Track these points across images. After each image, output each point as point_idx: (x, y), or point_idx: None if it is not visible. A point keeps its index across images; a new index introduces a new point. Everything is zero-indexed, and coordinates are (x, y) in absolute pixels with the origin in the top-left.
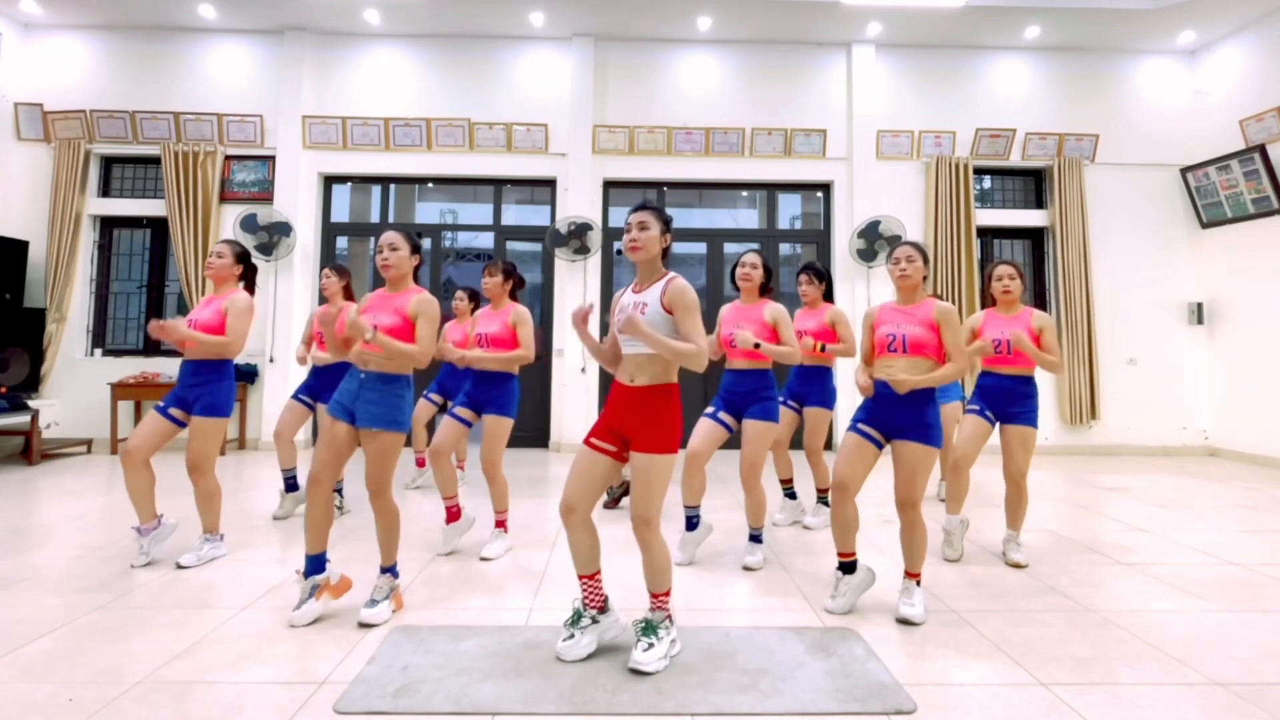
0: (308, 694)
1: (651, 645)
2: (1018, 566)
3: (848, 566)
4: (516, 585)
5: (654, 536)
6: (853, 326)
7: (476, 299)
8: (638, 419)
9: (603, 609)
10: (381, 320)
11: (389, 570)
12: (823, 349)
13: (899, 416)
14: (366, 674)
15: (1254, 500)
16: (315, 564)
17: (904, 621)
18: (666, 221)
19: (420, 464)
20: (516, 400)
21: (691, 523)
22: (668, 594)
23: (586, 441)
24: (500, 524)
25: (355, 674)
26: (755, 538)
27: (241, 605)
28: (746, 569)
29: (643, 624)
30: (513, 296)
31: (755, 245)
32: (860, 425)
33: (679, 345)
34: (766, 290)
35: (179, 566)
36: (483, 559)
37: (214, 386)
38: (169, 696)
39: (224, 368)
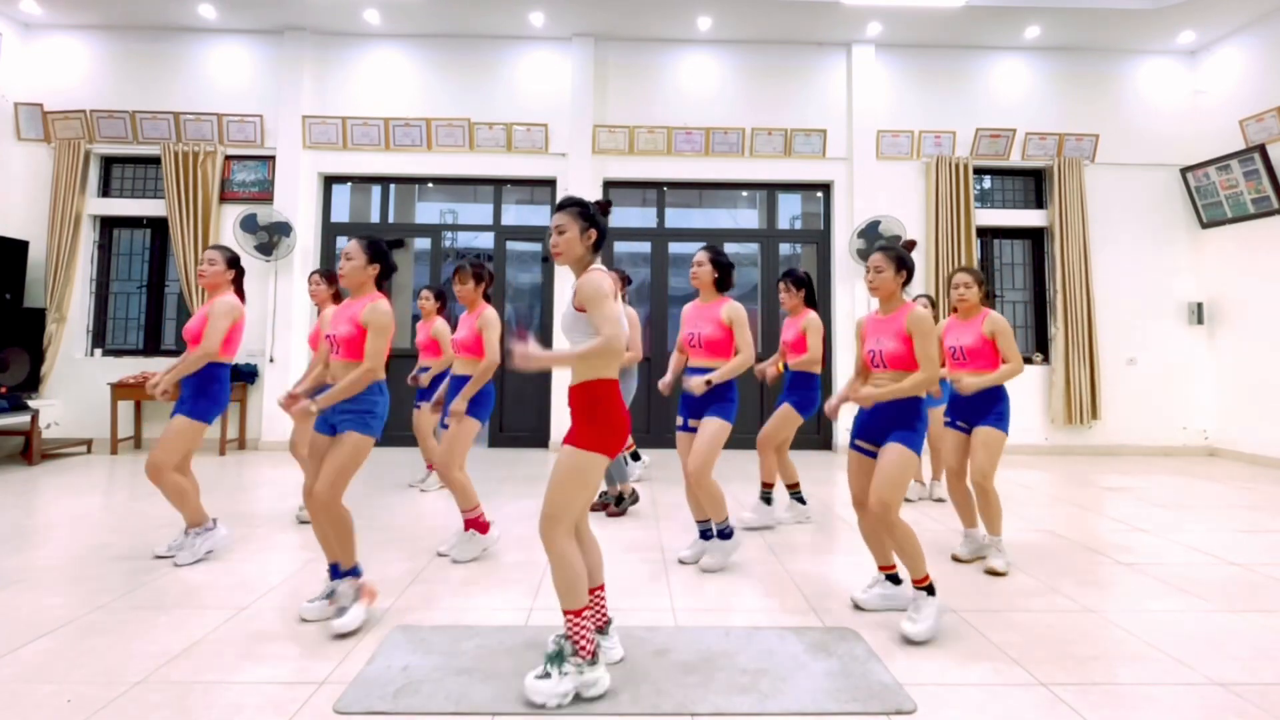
0: (308, 694)
1: (547, 676)
2: (995, 574)
3: (894, 577)
4: (516, 585)
5: (557, 539)
6: (821, 334)
7: (443, 297)
8: (573, 416)
9: (603, 629)
10: (339, 331)
11: (349, 573)
12: (785, 368)
13: (880, 422)
14: (366, 674)
15: (1254, 500)
16: (337, 571)
17: (905, 639)
18: (589, 216)
19: (431, 467)
20: (487, 403)
21: (705, 534)
22: (579, 613)
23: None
24: (469, 525)
25: (355, 674)
26: (723, 533)
27: (241, 605)
28: (702, 569)
29: (554, 649)
30: (485, 296)
31: (755, 245)
32: (856, 442)
33: (579, 351)
34: (726, 286)
35: (175, 565)
36: (452, 560)
37: (202, 389)
38: (169, 696)
39: (214, 373)
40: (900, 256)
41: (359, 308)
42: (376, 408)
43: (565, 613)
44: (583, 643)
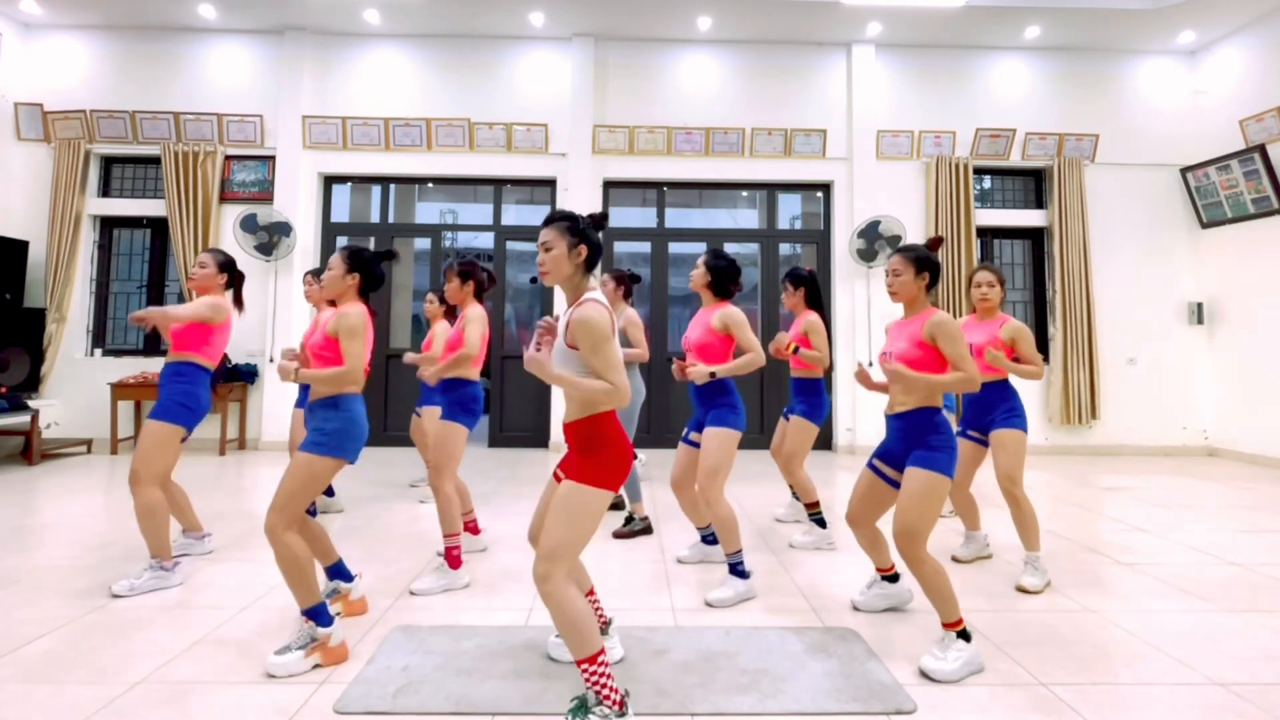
0: (308, 694)
1: None
2: (1025, 592)
3: (892, 577)
4: (516, 585)
5: (557, 583)
6: (823, 335)
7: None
8: (572, 452)
9: (602, 629)
10: (315, 339)
11: (310, 613)
12: (795, 350)
13: (902, 444)
14: (366, 674)
15: (1254, 500)
16: (336, 571)
17: (923, 674)
18: (579, 231)
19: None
20: (474, 407)
21: (706, 539)
22: (593, 660)
23: (554, 472)
24: (450, 552)
25: (355, 674)
26: (734, 568)
27: (241, 605)
28: (707, 604)
29: (575, 703)
30: (478, 296)
31: (755, 245)
32: (873, 461)
33: (585, 384)
34: (724, 293)
35: (113, 595)
36: (411, 592)
37: (172, 389)
38: (169, 696)
39: (187, 371)
40: (920, 257)
41: (331, 317)
42: (328, 425)
43: (579, 663)
44: (607, 691)
